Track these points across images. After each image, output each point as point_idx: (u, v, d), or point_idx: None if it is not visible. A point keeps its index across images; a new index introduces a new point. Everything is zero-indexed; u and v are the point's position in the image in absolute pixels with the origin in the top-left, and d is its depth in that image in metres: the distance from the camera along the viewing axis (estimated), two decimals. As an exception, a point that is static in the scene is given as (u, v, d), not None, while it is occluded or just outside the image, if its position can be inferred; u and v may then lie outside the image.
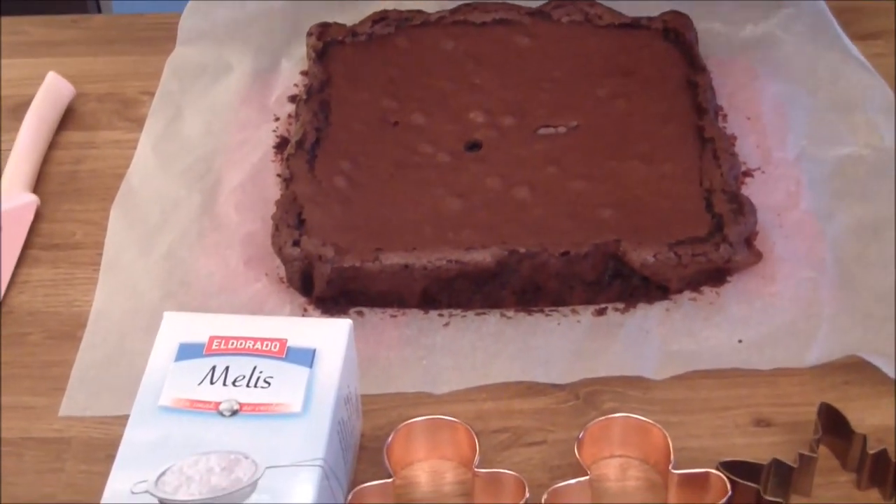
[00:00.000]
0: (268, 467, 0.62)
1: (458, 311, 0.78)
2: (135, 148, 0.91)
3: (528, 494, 0.67)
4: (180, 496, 0.61)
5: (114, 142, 0.93)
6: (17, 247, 0.85)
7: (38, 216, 0.87)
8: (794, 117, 0.91)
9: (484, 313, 0.78)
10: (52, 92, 0.94)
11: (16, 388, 0.77)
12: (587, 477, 0.68)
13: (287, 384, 0.65)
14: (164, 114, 0.93)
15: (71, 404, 0.75)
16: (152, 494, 0.61)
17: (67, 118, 0.95)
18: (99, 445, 0.73)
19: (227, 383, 0.66)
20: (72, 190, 0.90)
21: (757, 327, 0.77)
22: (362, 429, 0.73)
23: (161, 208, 0.85)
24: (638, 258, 0.76)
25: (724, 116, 0.90)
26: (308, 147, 0.84)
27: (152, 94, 0.95)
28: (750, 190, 0.85)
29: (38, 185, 0.90)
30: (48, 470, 0.72)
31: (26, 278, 0.83)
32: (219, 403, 0.65)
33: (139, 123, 0.93)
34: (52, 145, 0.93)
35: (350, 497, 0.67)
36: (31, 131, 0.91)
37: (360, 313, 0.78)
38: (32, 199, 0.87)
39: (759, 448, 0.71)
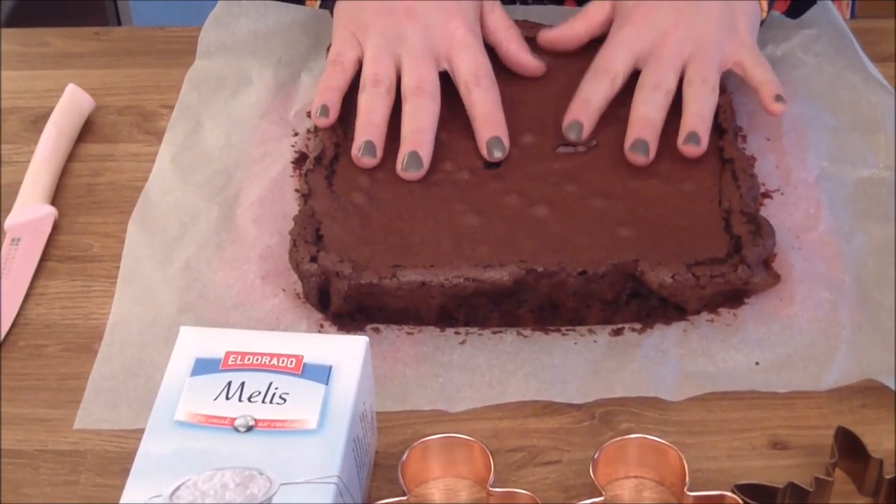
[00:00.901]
0: (282, 484, 0.62)
1: (475, 329, 0.78)
2: (153, 161, 0.91)
3: (543, 514, 0.67)
4: (195, 512, 0.61)
5: (133, 154, 0.93)
6: (35, 258, 0.85)
7: (56, 228, 0.87)
8: (814, 138, 0.90)
9: (500, 331, 0.78)
10: (71, 104, 0.95)
11: (32, 400, 0.77)
12: (602, 498, 0.67)
13: (303, 400, 0.65)
14: (183, 126, 0.93)
15: (86, 417, 0.75)
16: (167, 509, 0.61)
17: (87, 130, 0.96)
18: (114, 459, 0.73)
19: (242, 399, 0.66)
20: (90, 202, 0.90)
21: (774, 349, 0.77)
22: (377, 446, 0.73)
23: (179, 221, 0.86)
24: (656, 279, 0.76)
25: (744, 137, 0.90)
26: (326, 163, 0.84)
27: (172, 107, 0.95)
28: (769, 211, 0.84)
29: (57, 197, 0.90)
30: (63, 483, 0.72)
31: (43, 290, 0.83)
32: (234, 419, 0.65)
33: (158, 136, 0.94)
34: (71, 157, 0.93)
35: (365, 515, 0.67)
36: (50, 143, 0.91)
37: (376, 330, 0.78)
38: (50, 211, 0.87)
39: (776, 471, 0.71)
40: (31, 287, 0.83)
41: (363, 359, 0.68)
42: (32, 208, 0.87)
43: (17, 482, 0.72)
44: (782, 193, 0.86)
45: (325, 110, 0.86)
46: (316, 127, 0.88)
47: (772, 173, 0.88)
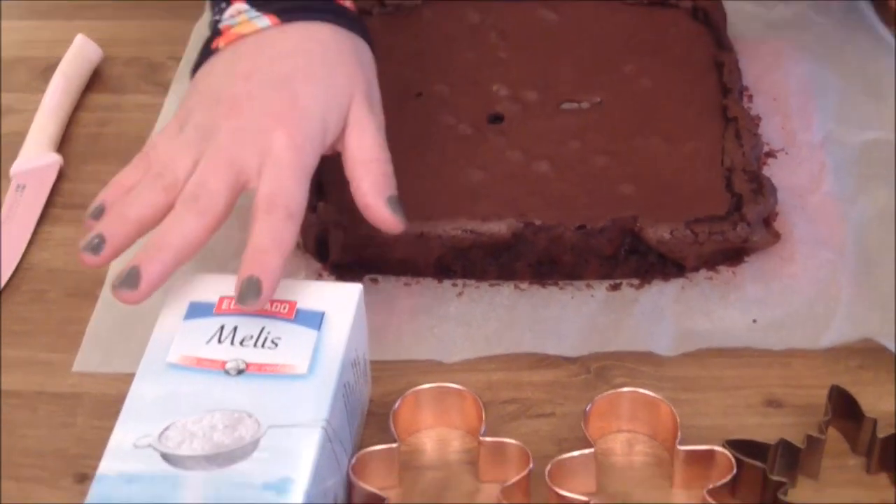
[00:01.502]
0: (270, 427, 0.62)
1: (472, 282, 0.78)
2: (160, 112, 0.91)
3: (532, 464, 0.67)
4: (182, 451, 0.61)
5: (139, 105, 0.94)
6: (39, 205, 0.85)
7: (62, 176, 0.88)
8: (821, 100, 0.90)
9: (498, 284, 0.78)
10: (80, 54, 0.95)
11: (32, 343, 0.77)
12: (592, 450, 0.67)
13: (294, 346, 0.66)
14: (189, 79, 0.93)
15: (85, 360, 0.76)
16: (155, 448, 0.61)
17: (95, 81, 0.96)
18: (111, 402, 0.72)
19: (234, 343, 0.66)
20: (96, 151, 0.90)
21: (773, 308, 0.77)
22: (371, 395, 0.73)
23: (183, 172, 0.85)
24: (654, 234, 0.76)
25: (750, 97, 0.89)
26: (331, 116, 0.84)
27: (179, 59, 0.96)
28: (773, 171, 0.84)
29: (63, 145, 0.90)
30: (60, 424, 0.73)
31: (47, 236, 0.84)
32: (225, 362, 0.65)
33: (165, 88, 0.94)
34: (79, 107, 0.94)
35: (353, 461, 0.67)
36: (57, 92, 0.92)
37: (374, 280, 0.79)
38: (56, 159, 0.88)
39: (769, 429, 0.70)
40: (35, 233, 0.84)
41: (356, 306, 0.68)
42: (38, 156, 0.88)
43: (15, 423, 0.73)
44: (787, 154, 0.86)
45: (97, 212, 0.71)
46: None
47: (777, 134, 0.87)
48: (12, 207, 0.85)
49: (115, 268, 0.79)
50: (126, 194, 0.70)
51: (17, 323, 0.78)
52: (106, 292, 0.79)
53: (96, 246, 0.68)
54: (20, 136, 0.90)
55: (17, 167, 0.87)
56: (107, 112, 0.94)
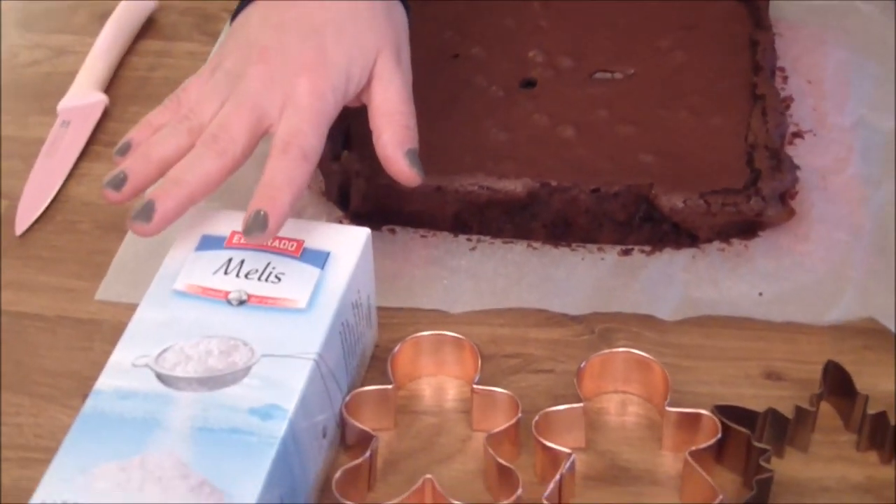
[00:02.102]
0: (263, 355, 0.64)
1: (487, 238, 0.79)
2: (206, 60, 0.94)
3: (520, 414, 0.68)
4: (177, 373, 0.63)
5: (188, 53, 0.96)
6: (81, 141, 0.88)
7: (107, 115, 0.91)
8: (856, 85, 0.90)
9: (512, 242, 0.79)
10: (135, 2, 0.98)
11: (60, 270, 0.80)
12: (580, 405, 0.69)
13: (297, 282, 0.68)
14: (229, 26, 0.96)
15: (107, 290, 0.78)
16: (151, 368, 0.64)
17: (148, 28, 0.99)
18: (127, 330, 0.76)
19: (240, 275, 0.68)
20: (142, 94, 0.93)
21: (781, 282, 0.77)
22: (378, 340, 0.75)
23: (220, 117, 0.87)
24: (668, 203, 0.77)
25: (785, 78, 0.90)
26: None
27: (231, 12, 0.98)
28: (799, 151, 0.84)
29: (111, 87, 0.93)
30: (78, 348, 0.75)
31: (86, 171, 0.87)
32: (229, 293, 0.67)
33: (214, 38, 0.96)
34: (130, 52, 0.97)
35: (347, 399, 0.69)
36: (109, 36, 0.95)
37: (392, 231, 0.80)
38: (102, 99, 0.91)
39: (766, 400, 0.71)
40: (74, 168, 0.87)
41: (362, 249, 0.70)
42: (85, 95, 0.91)
43: (36, 344, 0.76)
44: (815, 135, 0.86)
45: (123, 149, 0.73)
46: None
47: (808, 115, 0.88)
48: (55, 142, 0.88)
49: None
50: (153, 134, 0.73)
51: (47, 250, 0.81)
52: (134, 227, 0.81)
53: (119, 183, 0.70)
54: (72, 77, 0.93)
55: (63, 104, 0.90)
56: (157, 58, 0.96)
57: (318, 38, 0.74)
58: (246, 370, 0.63)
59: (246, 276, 0.68)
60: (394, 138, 0.73)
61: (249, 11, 0.78)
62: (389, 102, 0.75)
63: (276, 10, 0.76)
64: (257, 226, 0.67)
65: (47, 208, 0.84)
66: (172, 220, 0.69)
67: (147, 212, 0.68)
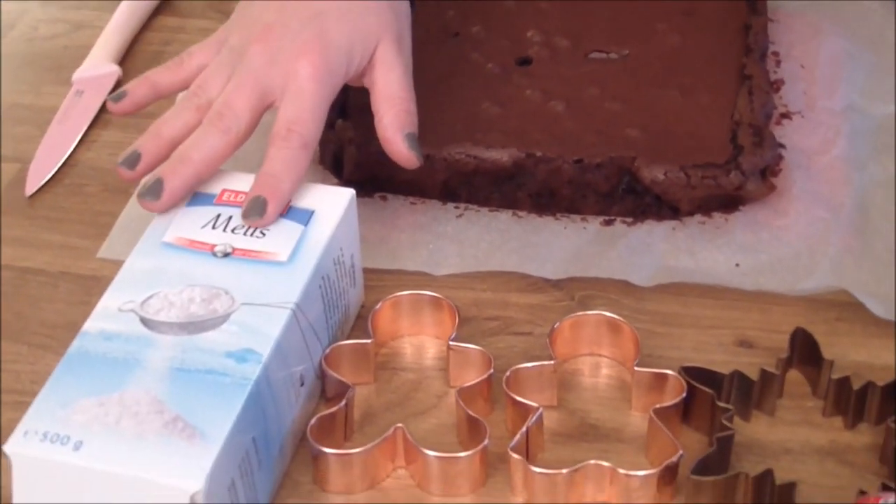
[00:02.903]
0: (243, 304, 0.67)
1: (475, 206, 0.82)
2: (218, 36, 0.97)
3: (492, 370, 0.71)
4: (160, 317, 0.66)
5: (202, 30, 0.99)
6: (93, 109, 0.91)
7: (119, 86, 0.94)
8: (849, 72, 0.92)
9: (497, 211, 0.82)
10: (153, -20, 1.02)
11: (66, 230, 0.84)
12: (551, 362, 0.71)
13: (280, 237, 0.70)
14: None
15: (109, 248, 0.81)
16: (136, 313, 0.66)
17: (166, 5, 1.02)
18: (124, 286, 0.79)
19: (227, 230, 0.71)
20: (155, 66, 0.96)
21: (758, 254, 0.79)
22: (364, 301, 0.77)
23: (227, 88, 0.91)
24: (649, 174, 0.79)
25: (778, 62, 0.92)
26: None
27: (246, -9, 1.01)
28: (785, 131, 0.86)
29: (125, 60, 0.97)
30: (77, 302, 0.78)
31: (96, 138, 0.90)
32: (215, 245, 0.70)
33: (227, 15, 0.99)
34: (146, 27, 1.00)
35: (327, 351, 0.71)
36: (126, 12, 0.99)
37: (383, 198, 0.83)
38: (115, 70, 0.94)
39: (736, 366, 0.72)
40: (85, 135, 0.90)
41: (345, 208, 0.72)
42: (99, 66, 0.94)
43: (37, 297, 0.79)
44: (803, 117, 0.88)
45: (121, 95, 0.79)
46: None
47: (798, 98, 0.89)
48: (68, 110, 0.91)
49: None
50: (151, 91, 0.78)
51: (54, 211, 0.85)
52: (139, 190, 0.84)
53: (133, 161, 0.74)
54: (88, 50, 0.97)
55: (78, 74, 0.94)
56: (171, 33, 1.00)
57: (321, 20, 0.77)
58: (225, 317, 0.66)
59: (232, 231, 0.71)
60: (394, 122, 0.76)
61: None
62: (391, 87, 0.77)
63: None
64: (256, 211, 0.71)
65: (57, 172, 0.87)
66: (180, 197, 0.73)
67: (156, 189, 0.72)
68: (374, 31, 0.78)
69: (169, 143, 0.74)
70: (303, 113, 0.74)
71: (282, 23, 0.77)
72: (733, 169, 0.79)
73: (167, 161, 0.73)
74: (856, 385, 0.70)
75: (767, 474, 0.65)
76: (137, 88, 0.78)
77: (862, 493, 0.62)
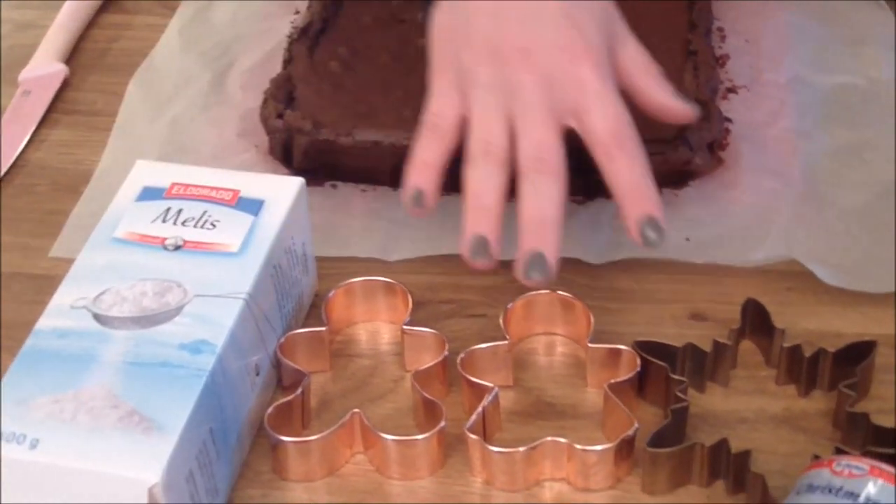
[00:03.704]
0: (196, 295, 0.67)
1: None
2: (164, 32, 0.97)
3: (447, 352, 0.71)
4: (112, 313, 0.66)
5: (148, 26, 0.99)
6: (41, 109, 0.91)
7: (66, 85, 0.94)
8: (795, 44, 0.92)
9: (449, 194, 0.82)
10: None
11: (18, 230, 0.83)
12: (505, 342, 0.71)
13: (231, 228, 0.70)
14: (195, 3, 0.99)
15: (62, 247, 0.81)
16: (88, 309, 0.67)
17: (112, 2, 1.02)
18: (78, 284, 0.79)
19: (177, 223, 0.71)
20: (102, 65, 0.96)
21: (708, 228, 0.80)
22: (318, 290, 0.78)
23: (175, 83, 0.91)
24: (597, 152, 0.79)
25: (723, 37, 0.92)
26: (312, 34, 0.89)
27: (192, -14, 1.01)
28: (732, 105, 0.87)
29: (72, 57, 0.97)
30: (30, 301, 0.77)
31: (45, 137, 0.90)
32: (165, 239, 0.70)
33: (173, 10, 0.99)
34: (92, 24, 1.00)
35: (282, 340, 0.71)
36: (71, 9, 0.98)
37: (334, 186, 0.83)
38: (62, 69, 0.94)
39: (690, 339, 0.73)
40: (34, 134, 0.90)
41: (295, 197, 0.72)
42: (46, 65, 0.94)
43: (-10, 298, 0.79)
44: (749, 90, 0.89)
45: (419, 198, 0.72)
46: (310, 1, 0.93)
47: (744, 72, 0.90)
48: (16, 110, 0.91)
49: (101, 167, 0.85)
50: (431, 172, 0.72)
51: (5, 211, 0.85)
52: (90, 188, 0.84)
53: (483, 247, 0.69)
54: (34, 49, 0.96)
55: (24, 74, 0.94)
56: (117, 31, 1.00)
57: (570, 21, 0.72)
58: (178, 309, 0.66)
59: (183, 223, 0.71)
60: (661, 90, 0.75)
61: (461, 8, 0.75)
62: (635, 59, 0.75)
63: (505, 4, 0.73)
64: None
65: (7, 172, 0.87)
66: (559, 261, 0.69)
67: (541, 264, 0.68)
68: (601, 6, 0.74)
69: (498, 210, 0.70)
70: (619, 113, 0.71)
71: (536, 40, 0.72)
72: (681, 144, 0.80)
73: (529, 231, 0.69)
74: (807, 353, 0.71)
75: (723, 444, 0.66)
76: (421, 179, 0.72)
77: (816, 457, 0.63)
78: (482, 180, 0.70)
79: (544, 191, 0.69)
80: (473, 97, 0.72)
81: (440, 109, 0.73)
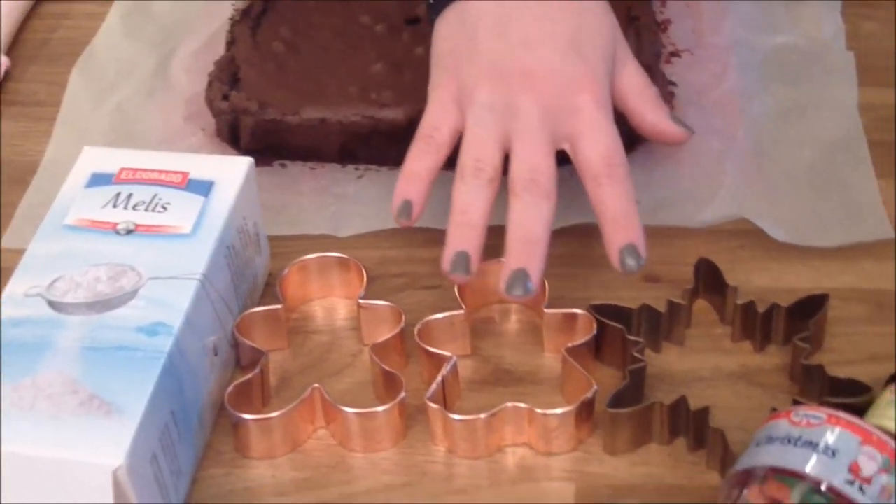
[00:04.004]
0: (150, 278, 0.67)
1: (374, 167, 0.82)
2: (104, 20, 0.96)
3: (403, 324, 0.71)
4: (67, 299, 0.66)
5: (88, 14, 0.99)
6: (-17, 101, 0.91)
7: (8, 76, 0.93)
8: (735, 7, 0.93)
9: (397, 169, 0.82)
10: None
11: (-34, 224, 0.83)
12: (461, 311, 0.72)
13: (182, 210, 0.70)
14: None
15: (13, 237, 0.81)
16: (43, 297, 0.66)
17: (51, -7, 1.02)
18: (30, 274, 0.78)
19: (128, 207, 0.71)
20: (43, 55, 0.95)
21: (657, 190, 0.80)
22: (271, 268, 0.78)
23: (118, 70, 0.91)
24: (544, 121, 0.79)
25: (664, 2, 0.93)
26: (254, 15, 0.89)
27: (128, -26, 1.01)
28: (675, 69, 0.88)
29: (12, 49, 0.96)
30: (-16, 293, 0.78)
31: (-13, 129, 0.90)
32: (117, 224, 0.70)
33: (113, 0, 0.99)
34: (31, 16, 0.99)
35: (238, 320, 0.72)
36: (8, 2, 0.97)
37: (283, 165, 0.83)
38: (2, 61, 0.93)
39: (644, 301, 0.73)
40: (-25, 126, 0.90)
41: (245, 177, 0.72)
42: (-14, 57, 0.93)
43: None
44: (692, 54, 0.89)
45: (406, 209, 0.72)
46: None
47: (686, 36, 0.91)
48: (-43, 104, 0.90)
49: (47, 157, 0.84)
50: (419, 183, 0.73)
51: (-49, 205, 0.84)
52: (37, 178, 0.84)
53: (465, 264, 0.69)
54: (-26, 42, 0.96)
55: (-37, 68, 0.93)
56: (57, 20, 0.99)
57: (575, 49, 0.73)
58: (133, 293, 0.66)
59: (133, 207, 0.71)
60: (657, 114, 0.76)
61: (467, 21, 0.75)
62: (633, 82, 0.76)
63: (513, 25, 0.73)
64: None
65: (-50, 170, 0.86)
66: (542, 279, 0.70)
67: (523, 280, 0.68)
68: (610, 32, 0.76)
69: (483, 227, 0.70)
70: (611, 143, 0.72)
71: (540, 64, 0.72)
72: (626, 109, 0.80)
73: (515, 249, 0.69)
74: (761, 309, 0.72)
75: (681, 401, 0.67)
76: (412, 190, 0.72)
77: (773, 410, 0.63)
78: (470, 198, 0.71)
79: (534, 211, 0.70)
80: (471, 114, 0.72)
81: (437, 122, 0.74)
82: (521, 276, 0.68)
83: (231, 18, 0.93)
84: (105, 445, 0.59)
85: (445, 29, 0.76)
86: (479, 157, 0.71)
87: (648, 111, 0.76)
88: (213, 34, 0.93)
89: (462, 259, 0.69)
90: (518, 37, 0.73)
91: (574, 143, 0.72)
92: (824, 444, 0.58)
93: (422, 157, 0.73)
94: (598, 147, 0.71)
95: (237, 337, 0.71)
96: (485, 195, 0.70)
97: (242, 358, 0.72)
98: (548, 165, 0.71)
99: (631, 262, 0.69)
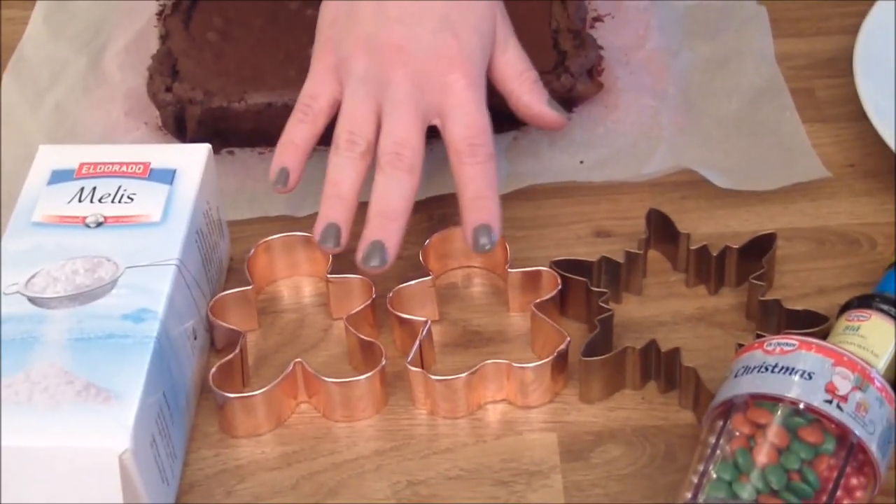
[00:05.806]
0: (128, 267, 0.68)
1: (323, 147, 0.84)
2: (27, 23, 0.96)
3: (374, 295, 0.73)
4: (47, 294, 0.67)
5: (9, 19, 0.98)
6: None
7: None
8: (651, -29, 0.96)
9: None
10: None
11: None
12: (429, 277, 0.74)
13: (148, 199, 0.71)
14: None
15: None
16: (22, 294, 0.67)
17: (-33, -3, 1.01)
18: None
19: (94, 201, 0.71)
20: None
21: (598, 149, 0.83)
22: (232, 253, 0.79)
23: (50, 70, 0.91)
24: (484, 87, 0.82)
25: (583, -31, 0.96)
26: (184, 7, 0.89)
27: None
28: (600, 32, 0.90)
29: (-64, 57, 0.95)
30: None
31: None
32: (85, 217, 0.70)
33: (33, 2, 0.99)
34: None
35: (211, 303, 0.73)
36: (-72, 9, 0.97)
37: (231, 152, 0.84)
38: (-70, 72, 0.93)
39: (599, 254, 0.76)
40: None
41: (205, 162, 0.74)
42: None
43: None
44: (613, 17, 0.92)
45: (283, 175, 0.74)
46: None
47: (605, 3, 0.94)
48: None
49: None
50: (300, 153, 0.75)
51: None
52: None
53: (335, 235, 0.72)
54: None
55: None
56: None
57: (449, 27, 0.74)
58: (113, 282, 0.67)
59: (99, 200, 0.71)
60: (533, 97, 0.78)
61: (350, 3, 0.76)
62: (513, 65, 0.78)
63: (391, 1, 0.75)
64: (486, 237, 0.71)
65: None
66: (398, 251, 0.72)
67: (380, 252, 0.71)
68: (490, 13, 0.77)
69: (355, 199, 0.72)
70: (476, 123, 0.73)
71: (413, 40, 0.74)
72: (563, 73, 0.83)
73: (373, 222, 0.71)
74: (714, 252, 0.75)
75: (652, 344, 0.70)
76: (288, 158, 0.74)
77: (740, 345, 0.67)
78: (342, 170, 0.73)
79: (395, 185, 0.72)
80: (348, 86, 0.74)
81: (315, 92, 0.75)
82: (377, 247, 0.70)
83: (160, 12, 0.94)
84: (109, 430, 0.60)
85: (328, 3, 0.78)
86: (352, 129, 0.73)
87: (524, 94, 0.77)
88: (141, 29, 0.93)
89: (332, 230, 0.71)
90: (395, 13, 0.74)
91: (443, 120, 0.73)
92: (801, 368, 0.61)
93: (298, 127, 0.75)
94: (462, 126, 0.73)
95: (212, 319, 0.72)
96: (356, 168, 0.72)
97: (217, 341, 0.73)
98: (415, 139, 0.72)
99: (484, 240, 0.71)
